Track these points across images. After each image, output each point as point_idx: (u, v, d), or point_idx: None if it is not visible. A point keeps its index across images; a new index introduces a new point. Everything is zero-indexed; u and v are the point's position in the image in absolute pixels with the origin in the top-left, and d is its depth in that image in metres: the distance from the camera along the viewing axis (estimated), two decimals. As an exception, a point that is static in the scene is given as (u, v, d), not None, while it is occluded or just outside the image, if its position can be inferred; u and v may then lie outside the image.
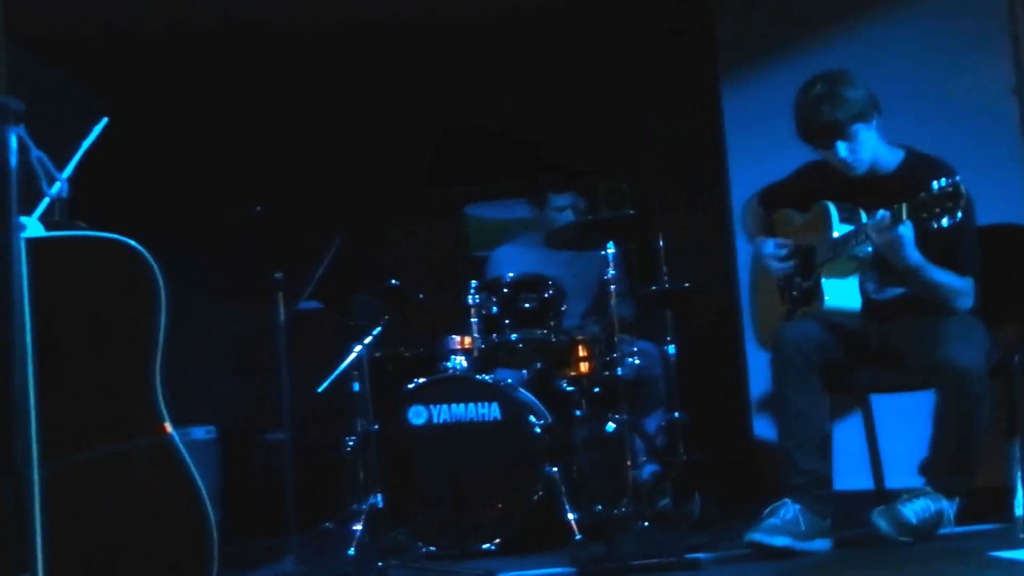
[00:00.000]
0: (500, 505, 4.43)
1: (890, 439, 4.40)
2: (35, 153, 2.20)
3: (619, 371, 4.44)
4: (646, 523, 4.21)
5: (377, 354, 4.81)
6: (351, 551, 4.33)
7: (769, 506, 3.79)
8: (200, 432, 5.14)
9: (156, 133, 5.47)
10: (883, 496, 4.20)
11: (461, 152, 6.49)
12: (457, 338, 4.85)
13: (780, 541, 3.68)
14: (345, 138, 6.28)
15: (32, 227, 2.25)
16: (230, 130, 5.93)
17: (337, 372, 4.54)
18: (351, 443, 4.60)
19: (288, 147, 6.08)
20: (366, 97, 6.27)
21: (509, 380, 4.74)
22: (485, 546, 4.39)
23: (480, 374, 4.65)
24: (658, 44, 6.25)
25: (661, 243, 4.95)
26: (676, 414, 4.91)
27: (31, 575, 2.02)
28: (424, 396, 4.57)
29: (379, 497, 4.36)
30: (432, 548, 4.43)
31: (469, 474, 4.48)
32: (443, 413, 4.56)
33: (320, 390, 4.59)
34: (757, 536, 3.69)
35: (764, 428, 5.53)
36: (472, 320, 4.75)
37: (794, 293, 4.12)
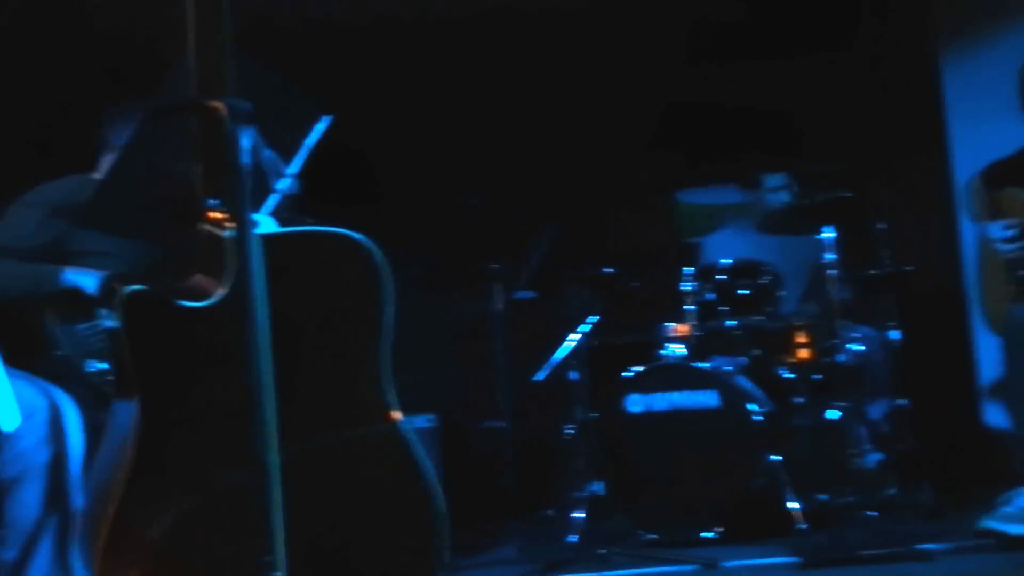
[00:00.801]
0: (720, 493, 4.39)
1: None
2: (266, 152, 2.28)
3: (840, 357, 4.35)
4: (873, 512, 4.11)
5: (594, 342, 4.82)
6: (572, 538, 4.37)
7: (1002, 494, 3.66)
8: (421, 421, 5.25)
9: (373, 126, 5.60)
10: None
11: (673, 137, 6.44)
12: (673, 325, 4.83)
13: (1016, 529, 3.55)
14: (558, 127, 6.30)
15: (265, 224, 2.34)
16: (446, 121, 6.03)
17: (554, 361, 4.58)
18: (570, 431, 4.63)
19: (503, 137, 6.14)
20: (578, 84, 6.29)
21: (727, 367, 4.69)
22: (706, 534, 4.36)
23: (697, 362, 4.62)
24: (872, 19, 6.08)
25: (880, 225, 4.82)
26: (900, 401, 4.77)
27: (272, 558, 2.09)
28: (642, 384, 4.56)
29: (600, 484, 4.38)
30: (653, 536, 4.43)
31: (689, 462, 4.46)
32: (661, 401, 4.55)
33: (537, 379, 4.63)
34: (992, 524, 3.57)
35: (995, 415, 5.33)
36: (687, 307, 4.73)
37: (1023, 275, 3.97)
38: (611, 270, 4.64)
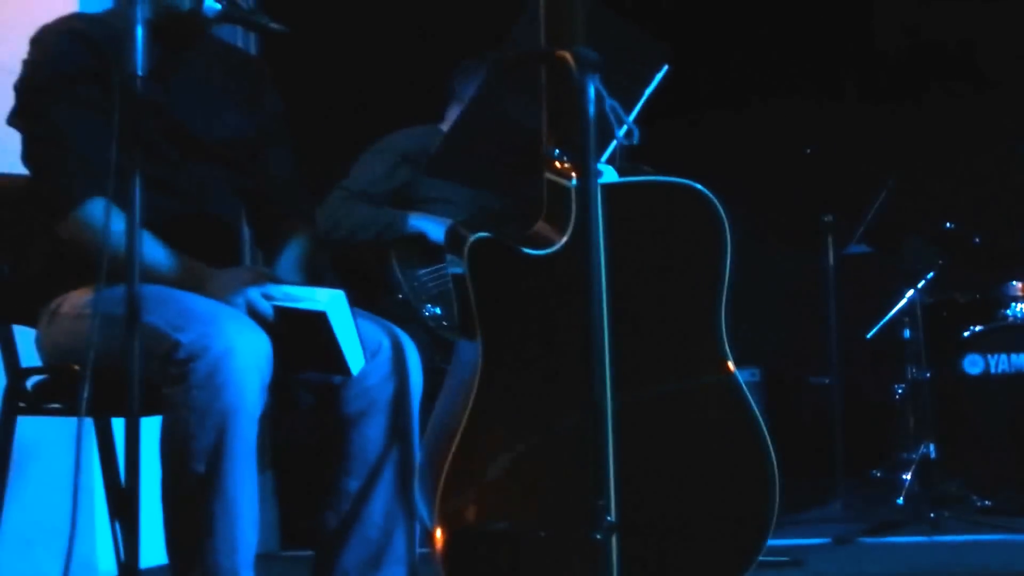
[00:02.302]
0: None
1: None
2: (608, 102, 2.28)
3: None
4: None
5: (930, 300, 4.64)
6: (900, 500, 4.25)
7: None
8: (745, 374, 5.20)
9: (707, 71, 5.54)
10: None
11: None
12: (1019, 284, 4.59)
13: None
14: (896, 73, 6.06)
15: (608, 173, 2.35)
16: (781, 73, 5.91)
17: (887, 318, 4.45)
18: (900, 390, 4.50)
19: (837, 86, 5.96)
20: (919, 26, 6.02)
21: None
22: (1045, 503, 4.16)
23: (1044, 322, 4.39)
24: None
25: None
26: None
27: (605, 502, 2.11)
28: (981, 344, 4.37)
29: (931, 447, 4.24)
30: (987, 503, 4.25)
31: (1031, 428, 4.25)
32: (1002, 363, 4.35)
33: (869, 336, 4.51)
34: None
35: None
36: (1036, 265, 4.49)
37: None
38: (951, 224, 4.44)
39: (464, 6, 5.03)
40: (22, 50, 2.61)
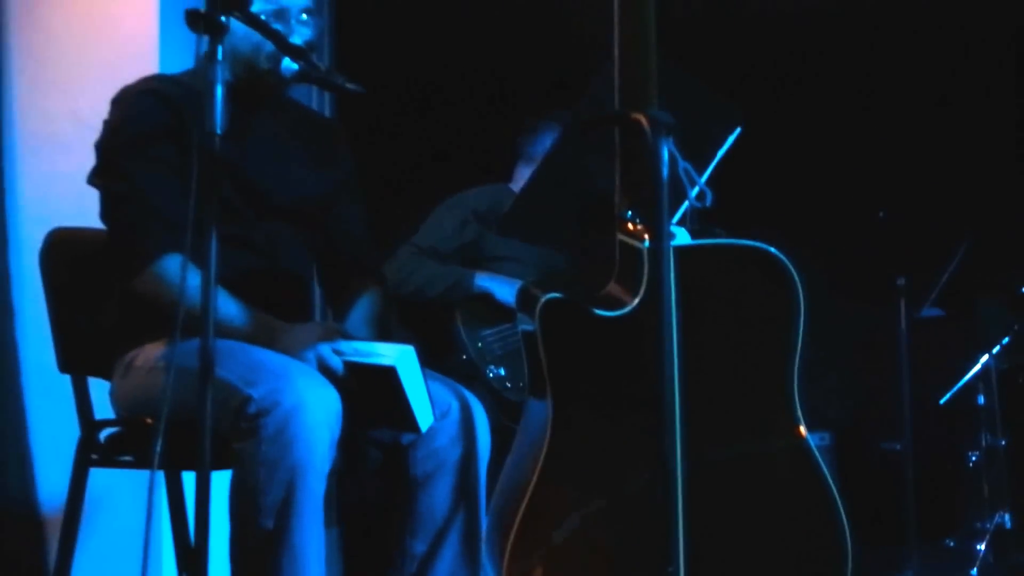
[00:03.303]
0: None
1: None
2: (681, 164, 2.28)
3: None
4: None
5: (1004, 365, 4.56)
6: (974, 571, 4.16)
7: None
8: (816, 439, 5.13)
9: (778, 136, 5.53)
10: None
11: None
12: (1098, 350, 4.51)
13: None
14: (971, 134, 6.01)
15: (680, 235, 2.35)
16: (854, 132, 5.88)
17: (961, 383, 4.38)
18: (974, 457, 4.41)
19: (913, 146, 5.92)
20: (986, 90, 5.98)
21: None
22: None
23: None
24: None
25: None
26: None
27: (674, 568, 2.09)
28: (1059, 412, 4.29)
29: (1006, 516, 4.15)
30: (1065, 575, 4.15)
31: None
32: (1081, 431, 4.26)
33: (943, 401, 4.44)
34: None
35: None
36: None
37: None
38: (1029, 287, 4.38)
39: (534, 66, 5.07)
40: (102, 104, 2.67)
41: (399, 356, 2.43)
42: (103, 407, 2.70)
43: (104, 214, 2.64)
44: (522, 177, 3.92)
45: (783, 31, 5.86)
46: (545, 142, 3.81)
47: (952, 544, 4.43)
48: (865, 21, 5.84)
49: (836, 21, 5.83)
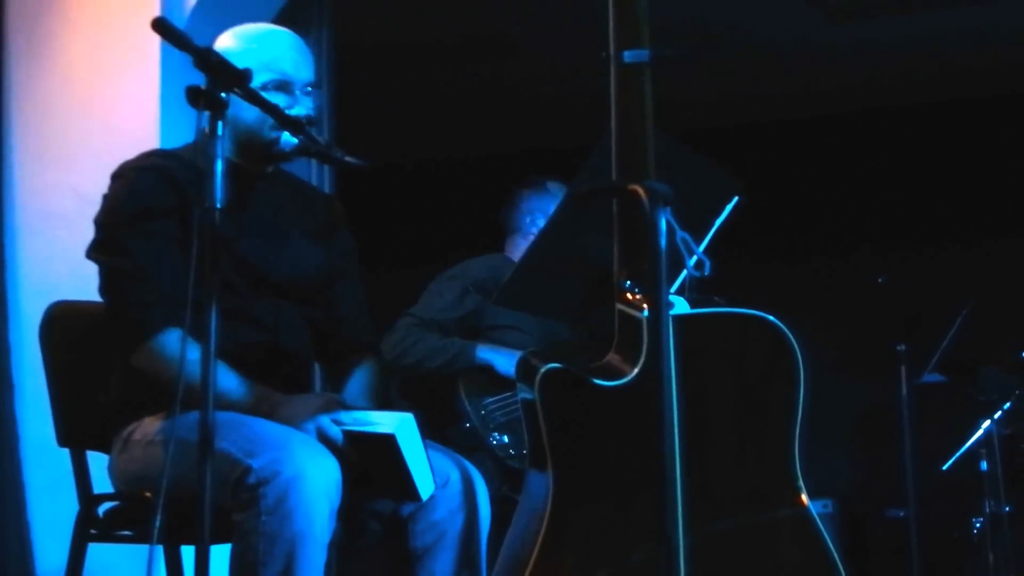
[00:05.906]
0: None
1: None
2: (679, 234, 2.29)
3: None
4: None
5: (1007, 431, 4.55)
6: (980, 639, 4.12)
7: None
8: (817, 506, 5.11)
9: (785, 200, 5.56)
10: None
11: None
12: (1100, 416, 4.50)
13: None
14: (966, 204, 6.05)
15: (679, 305, 2.35)
16: (849, 200, 5.92)
17: (963, 449, 4.36)
18: (978, 524, 4.39)
19: (909, 214, 5.96)
20: (982, 162, 6.03)
21: None
22: None
23: None
24: None
25: None
26: None
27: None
28: (1062, 478, 4.27)
29: (1011, 584, 4.12)
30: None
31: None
32: (1085, 497, 4.24)
33: (945, 468, 4.43)
34: None
35: None
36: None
37: None
38: (1029, 353, 4.38)
39: (533, 138, 5.11)
40: (102, 179, 2.68)
41: (399, 424, 2.43)
42: (102, 481, 2.69)
43: (103, 289, 2.64)
44: (516, 246, 3.93)
45: (783, 103, 5.92)
46: (522, 208, 3.88)
47: (958, 613, 4.39)
48: (865, 92, 5.90)
49: (836, 94, 5.90)
